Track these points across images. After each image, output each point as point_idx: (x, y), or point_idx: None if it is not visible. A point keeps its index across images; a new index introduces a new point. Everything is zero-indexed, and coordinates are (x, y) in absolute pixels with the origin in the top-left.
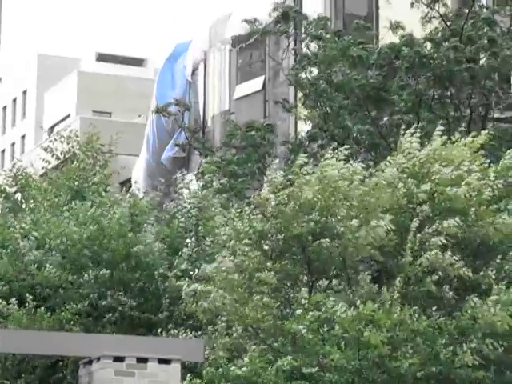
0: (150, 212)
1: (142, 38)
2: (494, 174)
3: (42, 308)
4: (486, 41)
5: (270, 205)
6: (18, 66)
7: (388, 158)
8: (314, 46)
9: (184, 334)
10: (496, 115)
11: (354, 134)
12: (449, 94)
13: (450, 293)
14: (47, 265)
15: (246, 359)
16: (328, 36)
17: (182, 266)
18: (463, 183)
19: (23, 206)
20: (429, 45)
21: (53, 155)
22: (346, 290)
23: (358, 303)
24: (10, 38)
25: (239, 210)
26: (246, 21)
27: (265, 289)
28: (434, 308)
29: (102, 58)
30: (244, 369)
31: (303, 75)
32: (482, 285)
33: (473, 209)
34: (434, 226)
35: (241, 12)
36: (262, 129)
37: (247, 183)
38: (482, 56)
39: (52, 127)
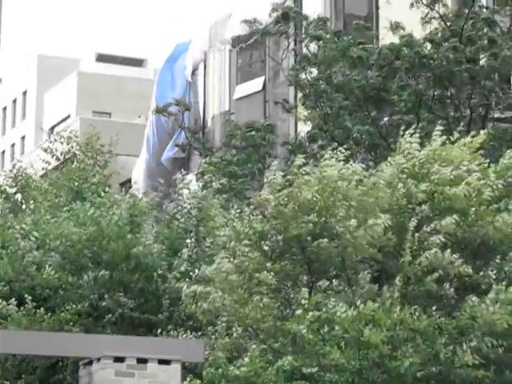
0: (149, 212)
1: (142, 38)
2: (494, 174)
3: (42, 309)
4: (485, 41)
5: (269, 205)
6: (17, 66)
7: (389, 158)
8: (313, 46)
9: (184, 335)
10: (496, 115)
11: (354, 135)
12: (449, 94)
13: (451, 290)
14: (46, 266)
15: (247, 359)
16: (328, 36)
17: (182, 268)
18: (463, 183)
19: (23, 207)
20: (429, 45)
21: (53, 156)
22: (346, 291)
23: (358, 303)
24: (9, 39)
25: (239, 211)
26: (245, 21)
27: (264, 289)
28: (434, 308)
29: (102, 58)
30: (243, 369)
31: (303, 76)
32: (482, 285)
33: (473, 209)
34: (432, 225)
35: (241, 12)
36: (262, 129)
37: (247, 184)
38: (481, 56)
39: (52, 128)
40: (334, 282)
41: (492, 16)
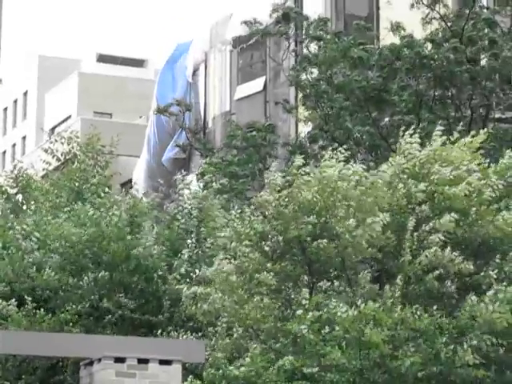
0: (149, 213)
1: (143, 38)
2: (494, 175)
3: (42, 310)
4: (486, 41)
5: (270, 206)
6: (18, 67)
7: (390, 159)
8: (314, 46)
9: (184, 336)
10: (497, 116)
11: (355, 135)
12: (449, 94)
13: (453, 287)
14: (46, 268)
15: (248, 359)
16: (328, 37)
17: (182, 270)
18: (464, 183)
19: (24, 208)
20: (429, 45)
21: (53, 156)
22: (347, 291)
23: (358, 303)
24: (10, 40)
25: (239, 211)
26: (245, 22)
27: (264, 290)
28: (434, 307)
29: (103, 58)
30: (243, 369)
31: (304, 76)
32: (483, 285)
33: (474, 208)
34: (430, 224)
35: (241, 13)
36: (263, 129)
37: (248, 184)
38: (482, 57)
39: (53, 128)
40: (335, 282)
41: (493, 16)
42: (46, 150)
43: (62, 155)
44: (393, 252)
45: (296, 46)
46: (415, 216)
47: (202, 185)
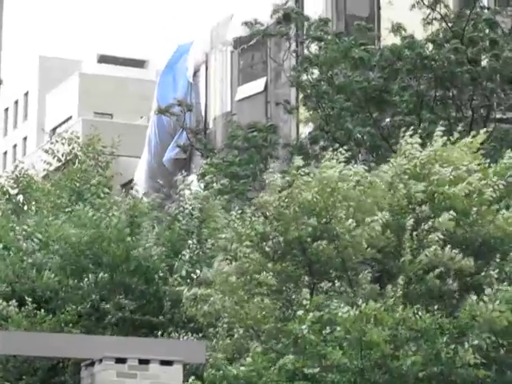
0: (149, 213)
1: (144, 39)
2: (494, 175)
3: (42, 311)
4: (487, 42)
5: (270, 207)
6: (19, 67)
7: (391, 160)
8: (314, 47)
9: (185, 337)
10: (498, 116)
11: (356, 136)
12: (450, 95)
13: (454, 284)
14: (46, 270)
15: (249, 359)
16: (329, 38)
17: (183, 272)
18: (465, 183)
19: (25, 208)
20: (430, 46)
21: (54, 157)
22: (348, 291)
23: (359, 303)
24: (11, 40)
25: (240, 212)
26: (246, 23)
27: (264, 290)
28: (435, 307)
29: (104, 59)
30: (242, 368)
31: (305, 77)
32: (484, 285)
33: (474, 209)
34: (429, 223)
35: (242, 13)
36: (264, 130)
37: (249, 185)
38: (483, 57)
39: (54, 129)
40: (336, 283)
41: (493, 17)
42: (46, 151)
43: (62, 156)
44: (393, 252)
45: (297, 46)
46: (415, 216)
47: (202, 185)
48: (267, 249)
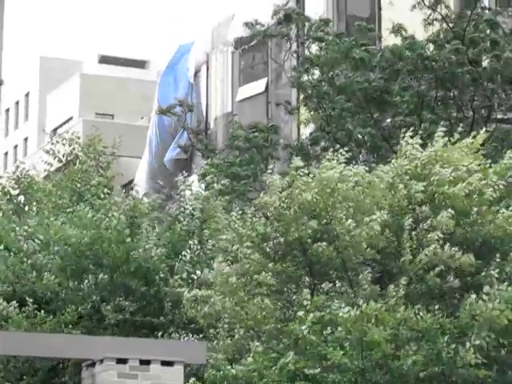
0: (150, 213)
1: (145, 40)
2: (494, 175)
3: (42, 311)
4: (488, 43)
5: (271, 207)
6: (20, 68)
7: (393, 161)
8: (315, 47)
9: (186, 338)
10: (499, 116)
11: (357, 137)
12: (451, 95)
13: (456, 281)
14: (46, 273)
15: (250, 359)
16: (330, 38)
17: (184, 275)
18: (465, 183)
19: (26, 209)
20: (431, 46)
21: (55, 157)
22: (349, 292)
23: (360, 303)
24: (12, 41)
25: (240, 212)
26: (246, 24)
27: (264, 290)
28: (436, 307)
29: (105, 60)
30: (240, 367)
31: (305, 77)
32: (484, 284)
33: (475, 208)
34: (428, 222)
35: (243, 14)
36: (265, 130)
37: (249, 185)
38: (484, 58)
39: (55, 130)
40: (337, 283)
41: (494, 17)
42: (47, 152)
43: (63, 156)
44: (394, 253)
45: (298, 47)
46: (415, 216)
47: (203, 186)
48: (268, 249)
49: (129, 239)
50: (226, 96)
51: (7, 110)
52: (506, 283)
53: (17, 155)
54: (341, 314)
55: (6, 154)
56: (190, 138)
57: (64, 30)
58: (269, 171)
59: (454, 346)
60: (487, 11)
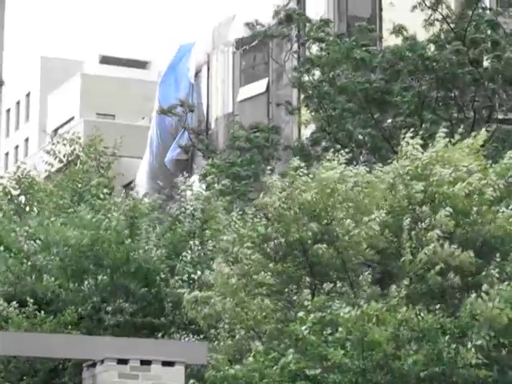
0: (150, 213)
1: (146, 40)
2: (494, 175)
3: (42, 312)
4: (489, 43)
5: (271, 208)
6: (21, 68)
7: (394, 162)
8: (315, 48)
9: (186, 338)
10: (500, 117)
11: (357, 137)
12: (452, 96)
13: (457, 277)
14: (45, 275)
15: (251, 358)
16: (330, 39)
17: (184, 277)
18: (465, 183)
19: (27, 209)
20: (432, 47)
21: (55, 158)
22: (349, 292)
23: (361, 303)
24: (13, 41)
25: (241, 213)
26: (247, 24)
27: (264, 291)
28: (437, 306)
29: (106, 60)
30: (238, 367)
31: (306, 78)
32: (485, 284)
33: (475, 208)
34: (427, 221)
35: (244, 14)
36: (266, 130)
37: (250, 185)
38: (485, 58)
39: (56, 130)
40: (338, 284)
41: (495, 18)
42: (48, 152)
43: (64, 157)
44: (394, 253)
45: (298, 47)
46: (416, 216)
47: (204, 186)
48: (268, 250)
49: (129, 240)
50: (227, 96)
51: (8, 111)
52: (506, 283)
53: (18, 155)
54: (342, 314)
55: (7, 154)
56: (191, 138)
57: (65, 30)
58: (267, 172)
59: (454, 346)
60: (488, 12)
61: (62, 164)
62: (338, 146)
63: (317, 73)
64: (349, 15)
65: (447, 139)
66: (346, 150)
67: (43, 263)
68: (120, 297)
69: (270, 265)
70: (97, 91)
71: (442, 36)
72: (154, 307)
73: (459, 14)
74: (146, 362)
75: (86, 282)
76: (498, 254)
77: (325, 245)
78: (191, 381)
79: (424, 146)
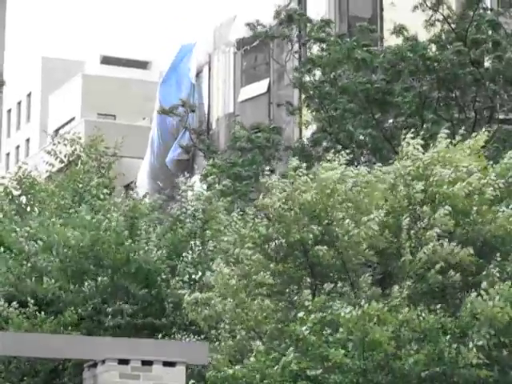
0: (150, 214)
1: (147, 40)
2: (494, 175)
3: (43, 313)
4: (490, 43)
5: (272, 208)
6: (22, 68)
7: (395, 162)
8: (316, 48)
9: (187, 339)
10: (501, 117)
11: (359, 137)
12: (453, 96)
13: (457, 275)
14: (45, 276)
15: (252, 359)
16: (331, 39)
17: (185, 277)
18: (465, 183)
19: (28, 209)
20: (433, 47)
21: (56, 158)
22: (350, 293)
23: (362, 303)
24: (14, 41)
25: (241, 213)
26: (248, 25)
27: (264, 290)
28: (438, 306)
29: (107, 60)
30: (238, 367)
31: (307, 78)
32: (486, 283)
33: (475, 208)
34: (425, 220)
35: (245, 14)
36: (268, 131)
37: (251, 186)
38: (486, 58)
39: (57, 130)
40: (339, 284)
41: (496, 18)
42: (49, 152)
43: (65, 157)
44: (395, 253)
45: (299, 48)
46: (416, 216)
47: (205, 186)
48: (269, 251)
49: (129, 240)
50: (228, 96)
51: (9, 111)
52: (506, 282)
53: (19, 156)
54: (343, 314)
55: (8, 154)
56: (192, 138)
57: (66, 31)
58: (266, 172)
59: (455, 345)
60: (489, 12)
61: (62, 164)
62: (339, 147)
63: (318, 73)
64: (350, 15)
65: (449, 140)
66: (347, 150)
67: (43, 264)
68: (120, 298)
69: (271, 265)
70: (98, 91)
71: (443, 36)
72: (155, 308)
73: (460, 14)
74: (147, 363)
75: (86, 283)
76: (498, 254)
77: (325, 246)
78: (191, 382)
79: (425, 147)
